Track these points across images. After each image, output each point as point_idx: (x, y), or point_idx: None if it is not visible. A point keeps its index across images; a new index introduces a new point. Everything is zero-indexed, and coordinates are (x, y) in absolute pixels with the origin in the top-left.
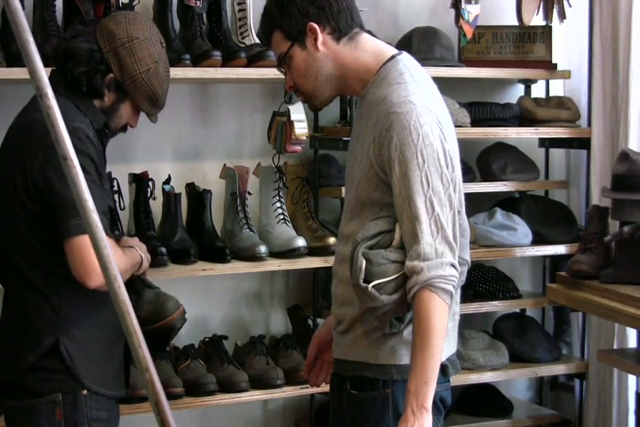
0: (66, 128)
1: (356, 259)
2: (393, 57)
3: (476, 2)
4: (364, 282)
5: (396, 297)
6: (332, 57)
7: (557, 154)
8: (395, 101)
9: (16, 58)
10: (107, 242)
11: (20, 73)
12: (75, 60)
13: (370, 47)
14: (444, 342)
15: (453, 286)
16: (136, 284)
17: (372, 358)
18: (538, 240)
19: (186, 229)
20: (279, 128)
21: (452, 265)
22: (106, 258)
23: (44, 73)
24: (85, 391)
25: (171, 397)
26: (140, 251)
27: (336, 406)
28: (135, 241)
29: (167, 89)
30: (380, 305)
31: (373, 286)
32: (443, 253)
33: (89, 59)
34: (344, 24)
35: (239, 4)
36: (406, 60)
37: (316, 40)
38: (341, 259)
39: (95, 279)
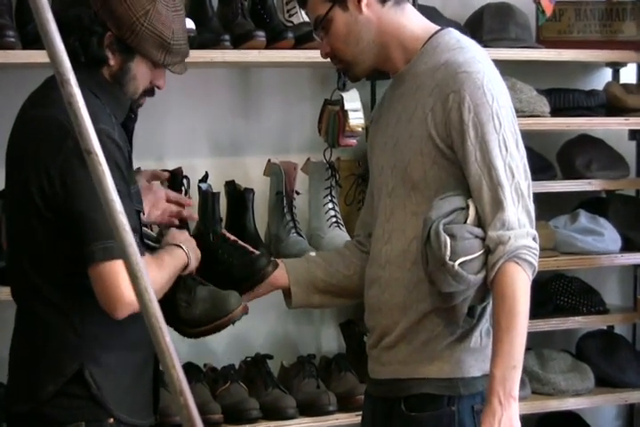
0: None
1: (437, 236)
2: (442, 28)
3: None
4: (449, 260)
5: (480, 277)
6: (376, 22)
7: None
8: (461, 61)
9: (33, 39)
10: (136, 248)
11: (37, 56)
12: (66, 30)
13: (416, 17)
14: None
15: (536, 261)
16: (186, 281)
17: (434, 372)
18: (628, 247)
19: None
20: (331, 118)
21: (534, 238)
22: (135, 267)
23: (65, 56)
24: (112, 420)
25: (208, 424)
26: (186, 249)
27: None
28: (183, 236)
29: (182, 30)
30: (463, 289)
31: (459, 265)
32: (525, 224)
33: (79, 23)
34: None
35: None
36: (457, 32)
37: (359, 1)
38: (385, 261)
39: (121, 310)
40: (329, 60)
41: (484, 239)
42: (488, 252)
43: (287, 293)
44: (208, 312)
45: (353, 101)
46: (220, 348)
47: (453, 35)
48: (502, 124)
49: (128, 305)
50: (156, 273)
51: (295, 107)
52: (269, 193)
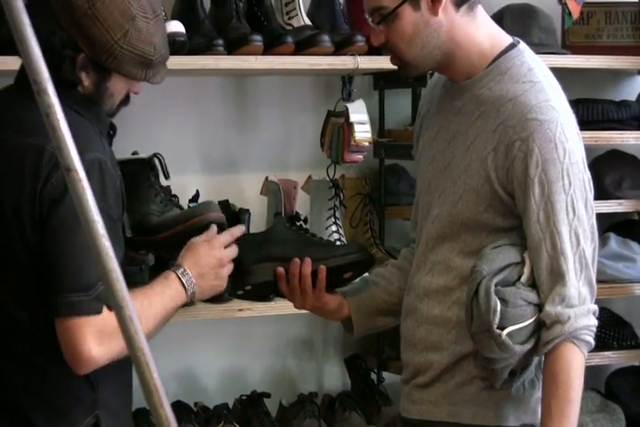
0: (82, 159)
1: (487, 297)
2: (513, 45)
3: None
4: (497, 328)
5: (528, 347)
6: (447, 28)
7: None
8: (533, 105)
9: (7, 44)
10: (120, 274)
11: (11, 63)
12: None
13: (486, 25)
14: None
15: (593, 338)
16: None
17: (468, 417)
18: None
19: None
20: (335, 132)
21: (594, 313)
22: (119, 295)
23: (42, 63)
24: None
25: None
26: (187, 282)
27: None
28: (200, 256)
29: (163, 37)
30: (506, 357)
31: (507, 334)
32: (585, 299)
33: (49, 47)
34: None
35: None
36: (530, 52)
37: (434, 2)
38: (423, 293)
39: (82, 367)
40: (332, 66)
41: (536, 305)
42: (540, 322)
43: (347, 323)
44: (179, 217)
45: (359, 113)
46: (213, 385)
47: (525, 58)
48: (572, 183)
49: (88, 362)
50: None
51: (295, 119)
52: (267, 214)
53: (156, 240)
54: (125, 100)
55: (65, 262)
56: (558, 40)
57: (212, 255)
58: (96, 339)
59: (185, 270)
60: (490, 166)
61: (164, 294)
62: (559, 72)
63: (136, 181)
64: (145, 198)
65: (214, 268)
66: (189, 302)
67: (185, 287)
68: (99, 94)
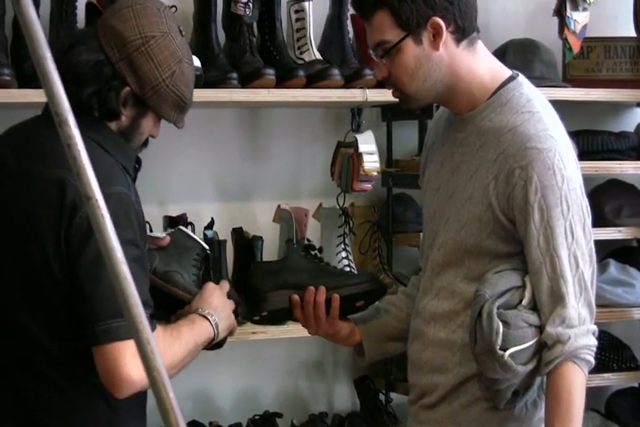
0: (104, 192)
1: (490, 319)
2: (512, 78)
3: (585, 8)
4: (500, 349)
5: (530, 368)
6: (448, 62)
7: None
8: (532, 134)
9: (30, 77)
10: (138, 299)
11: (33, 95)
12: (79, 79)
13: (486, 59)
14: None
15: (593, 358)
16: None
17: None
18: None
19: (232, 283)
20: (344, 162)
21: (594, 333)
22: (136, 319)
23: (63, 95)
24: None
25: None
26: (214, 321)
27: None
28: (218, 297)
29: (193, 84)
30: (509, 377)
31: (509, 355)
32: (585, 319)
33: (97, 75)
34: (469, 24)
35: (297, 11)
36: (528, 84)
37: (435, 37)
38: (429, 317)
39: (122, 390)
40: (342, 99)
41: (537, 327)
42: (541, 342)
43: (359, 348)
44: None
45: (368, 144)
46: (227, 405)
47: (524, 89)
48: (570, 208)
49: (129, 385)
50: (169, 348)
51: (306, 149)
52: (279, 241)
53: (169, 290)
54: (145, 142)
55: (100, 293)
56: (559, 74)
57: (223, 298)
58: (135, 360)
59: (204, 309)
60: (491, 194)
61: (190, 327)
62: (560, 104)
63: (186, 252)
64: (184, 265)
65: (226, 308)
66: (216, 338)
67: (208, 320)
68: (132, 130)
